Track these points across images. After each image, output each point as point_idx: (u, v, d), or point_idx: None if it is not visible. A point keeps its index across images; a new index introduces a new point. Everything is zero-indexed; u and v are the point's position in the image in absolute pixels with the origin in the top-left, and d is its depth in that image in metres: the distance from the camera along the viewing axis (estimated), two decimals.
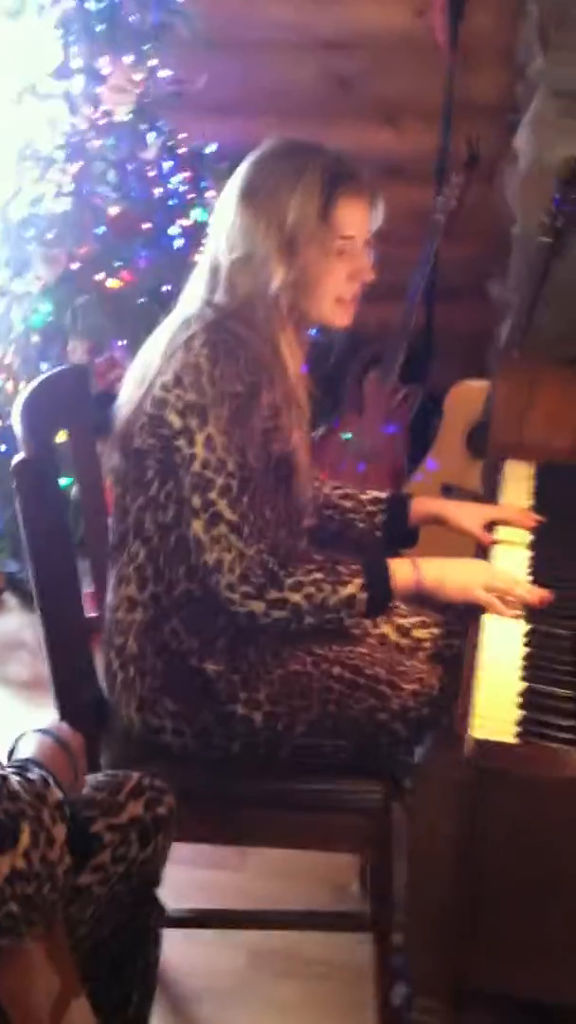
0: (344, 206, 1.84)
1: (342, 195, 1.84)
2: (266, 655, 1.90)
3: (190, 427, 1.78)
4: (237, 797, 1.86)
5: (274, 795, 1.86)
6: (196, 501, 1.79)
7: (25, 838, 0.99)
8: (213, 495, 1.77)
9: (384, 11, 3.68)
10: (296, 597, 1.78)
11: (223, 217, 1.88)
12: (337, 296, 1.89)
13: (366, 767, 1.88)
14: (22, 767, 1.05)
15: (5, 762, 1.07)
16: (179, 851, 1.65)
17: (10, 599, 3.50)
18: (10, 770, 1.04)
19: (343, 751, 1.88)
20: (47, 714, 1.40)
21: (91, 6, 3.14)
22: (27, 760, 1.09)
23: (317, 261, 1.85)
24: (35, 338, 3.19)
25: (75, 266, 3.12)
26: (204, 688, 1.88)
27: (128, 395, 1.89)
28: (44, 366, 3.16)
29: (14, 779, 1.02)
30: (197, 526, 1.79)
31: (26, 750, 1.25)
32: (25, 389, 1.90)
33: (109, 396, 1.98)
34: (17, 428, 1.80)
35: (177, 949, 1.65)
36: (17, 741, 1.29)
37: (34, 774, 1.05)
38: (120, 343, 3.15)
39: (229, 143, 3.35)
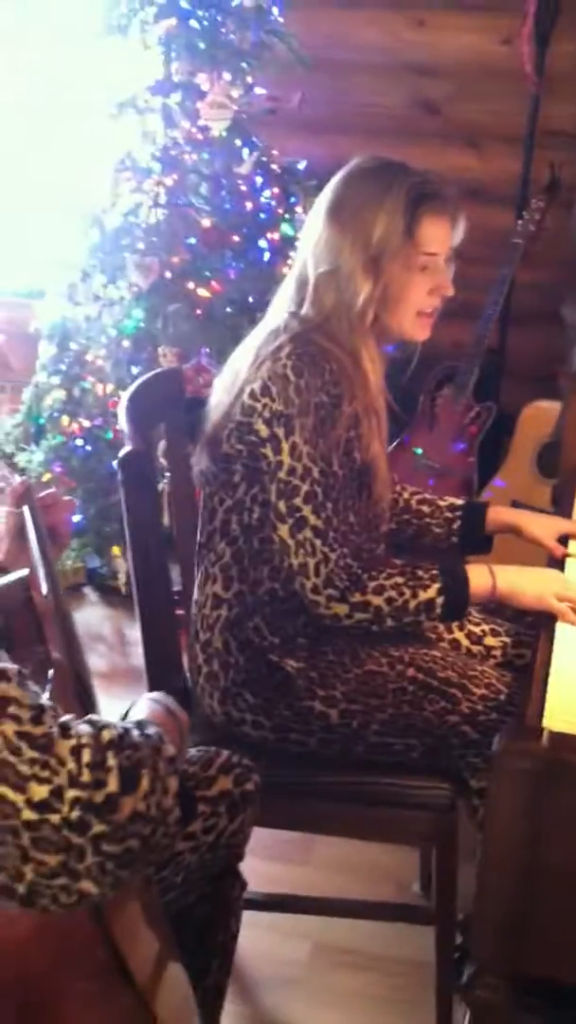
0: (428, 224, 1.90)
1: (426, 213, 1.90)
2: (344, 655, 1.96)
3: (277, 435, 1.86)
4: (312, 788, 1.93)
5: (347, 787, 1.93)
6: (282, 506, 1.86)
7: (145, 784, 1.08)
8: (298, 501, 1.85)
9: (472, 39, 3.74)
10: (378, 600, 1.84)
11: (311, 232, 1.95)
12: (419, 310, 1.96)
13: (435, 766, 1.93)
14: (139, 724, 1.14)
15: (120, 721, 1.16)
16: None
17: (91, 594, 3.61)
18: (130, 724, 1.13)
19: (414, 750, 1.93)
20: (124, 705, 1.48)
21: (194, 24, 3.25)
22: (142, 720, 1.18)
23: (401, 276, 1.91)
24: (126, 343, 3.30)
25: (168, 275, 3.23)
26: (284, 684, 1.95)
27: (217, 401, 1.97)
28: (134, 370, 3.27)
29: (135, 732, 1.11)
30: (283, 530, 1.87)
31: (139, 713, 1.35)
32: (129, 388, 1.99)
33: (197, 401, 2.08)
34: (122, 423, 1.90)
35: (244, 935, 1.71)
36: (131, 706, 1.38)
37: (151, 730, 1.14)
38: (206, 350, 3.24)
39: (319, 160, 3.46)
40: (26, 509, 1.53)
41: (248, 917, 1.72)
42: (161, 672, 1.99)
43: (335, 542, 1.84)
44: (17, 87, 3.59)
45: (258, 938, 2.17)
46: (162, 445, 2.50)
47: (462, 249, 2.00)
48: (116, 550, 3.47)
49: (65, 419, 3.50)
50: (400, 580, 1.86)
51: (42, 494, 1.63)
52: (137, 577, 1.94)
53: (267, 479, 1.89)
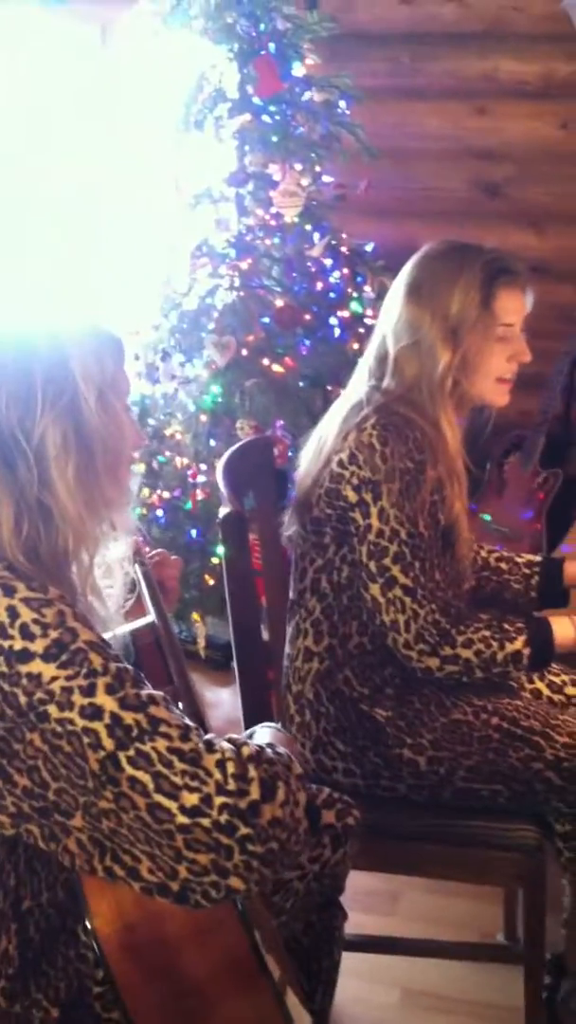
0: (503, 296, 2.05)
1: (501, 286, 2.04)
2: (430, 703, 2.06)
3: (365, 500, 1.99)
4: (402, 830, 2.02)
5: (436, 830, 2.02)
6: (373, 567, 1.98)
7: (281, 794, 1.20)
8: (387, 561, 1.96)
9: (531, 124, 3.90)
10: (467, 653, 1.95)
11: (390, 312, 2.09)
12: (498, 376, 2.09)
13: (521, 811, 2.02)
14: (270, 745, 1.26)
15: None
16: None
17: None
18: (263, 744, 1.25)
19: (500, 795, 2.01)
20: None
21: (266, 119, 3.45)
22: (271, 742, 1.30)
23: (480, 346, 2.05)
24: (204, 418, 3.46)
25: (244, 352, 3.39)
26: (373, 732, 2.04)
27: (305, 471, 2.11)
28: (212, 443, 3.42)
29: (268, 750, 1.23)
30: (375, 590, 1.98)
31: (264, 738, 1.47)
32: (224, 456, 2.14)
33: (281, 471, 2.22)
34: (221, 487, 2.04)
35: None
36: (252, 733, 1.51)
37: (280, 750, 1.26)
38: (281, 423, 3.39)
39: (386, 242, 3.63)
40: (137, 566, 1.66)
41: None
42: (257, 722, 2.09)
43: (424, 599, 1.95)
44: (101, 181, 3.80)
45: (349, 984, 2.22)
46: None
47: (527, 323, 2.13)
48: (196, 616, 3.59)
49: (146, 491, 3.65)
50: (487, 633, 1.96)
51: (151, 552, 1.77)
52: (237, 634, 2.06)
53: (356, 541, 2.01)
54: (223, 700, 3.43)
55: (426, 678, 2.00)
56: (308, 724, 2.08)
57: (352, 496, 2.01)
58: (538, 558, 2.34)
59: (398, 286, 2.10)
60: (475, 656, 1.95)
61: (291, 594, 2.15)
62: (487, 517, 3.86)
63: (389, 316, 2.09)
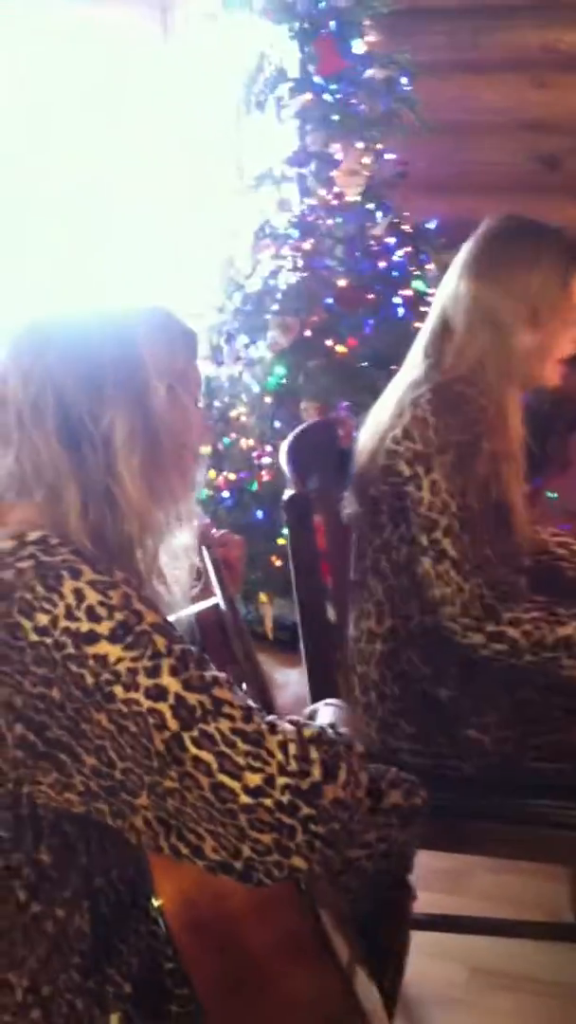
0: None
1: None
2: (495, 683, 2.04)
3: (418, 474, 1.98)
4: (467, 810, 2.02)
5: (502, 809, 2.01)
6: (423, 540, 1.98)
7: (343, 775, 1.21)
8: (438, 534, 1.95)
9: None
10: (514, 632, 1.92)
11: (452, 290, 2.06)
12: (560, 358, 2.07)
13: None
14: (332, 725, 1.27)
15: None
16: None
17: None
18: (325, 725, 1.27)
19: (565, 774, 2.00)
20: None
21: (327, 98, 3.44)
22: (333, 723, 1.31)
23: (558, 329, 2.03)
24: (268, 399, 3.47)
25: (307, 333, 3.40)
26: (438, 712, 2.05)
27: (362, 449, 2.11)
28: (276, 424, 3.44)
29: (330, 731, 1.25)
30: (426, 563, 1.98)
31: (326, 717, 1.49)
32: (288, 437, 2.15)
33: (345, 452, 2.22)
34: (284, 468, 2.05)
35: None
36: (315, 709, 1.52)
37: (342, 730, 1.27)
38: (345, 403, 3.39)
39: (448, 219, 3.61)
40: (204, 548, 1.68)
41: None
42: None
43: (470, 573, 1.93)
44: (165, 165, 3.83)
45: (417, 962, 2.22)
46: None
47: None
48: (263, 597, 3.62)
49: (212, 473, 3.68)
50: (538, 615, 1.93)
51: (217, 533, 1.79)
52: (303, 615, 2.06)
53: (412, 516, 2.00)
54: (291, 680, 3.45)
55: (475, 657, 1.98)
56: (374, 705, 2.09)
57: (406, 470, 2.00)
58: None
59: (463, 264, 2.06)
60: (523, 637, 1.92)
61: (352, 574, 2.16)
62: (553, 495, 3.83)
63: (451, 294, 2.06)
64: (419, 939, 2.12)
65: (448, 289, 2.09)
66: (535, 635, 1.92)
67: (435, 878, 2.54)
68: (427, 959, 2.30)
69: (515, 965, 2.35)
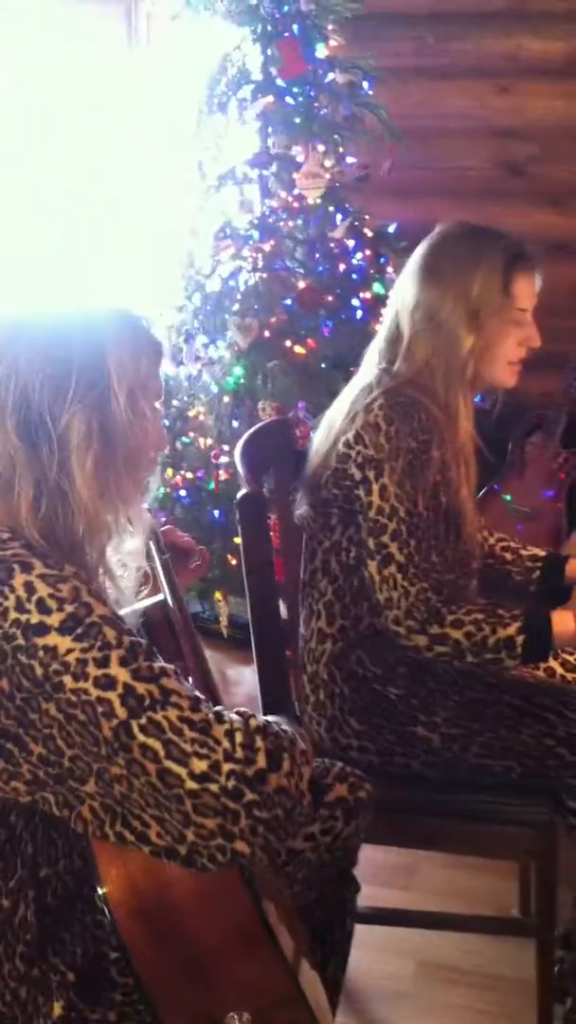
0: (521, 281, 2.05)
1: (519, 271, 2.05)
2: (444, 681, 2.07)
3: (368, 478, 2.01)
4: (415, 806, 2.05)
5: (450, 805, 2.04)
6: (371, 544, 2.00)
7: (286, 765, 1.24)
8: (385, 538, 1.98)
9: (554, 103, 3.90)
10: (456, 634, 1.95)
11: (402, 294, 2.09)
12: (510, 360, 2.10)
13: (533, 787, 2.03)
14: (277, 722, 1.30)
15: None
16: None
17: None
18: (270, 719, 1.29)
19: (512, 771, 2.03)
20: None
21: (289, 100, 3.46)
22: (276, 720, 1.33)
23: (498, 330, 2.05)
24: (226, 399, 3.49)
25: (266, 334, 3.42)
26: (387, 710, 2.07)
27: (315, 451, 2.13)
28: (235, 424, 3.46)
29: (274, 725, 1.28)
30: (372, 567, 2.00)
31: (272, 717, 1.51)
32: (243, 437, 2.17)
33: (294, 451, 2.25)
34: (239, 467, 2.07)
35: (353, 953, 1.84)
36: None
37: (285, 727, 1.30)
38: (303, 404, 3.42)
39: (409, 223, 3.63)
40: (152, 544, 1.69)
41: (355, 936, 1.83)
42: (275, 702, 2.13)
43: (415, 577, 1.96)
44: (125, 163, 3.83)
45: (364, 956, 2.28)
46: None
47: (549, 300, 2.15)
48: (218, 595, 3.63)
49: (169, 471, 3.69)
50: (480, 616, 1.95)
51: (162, 528, 1.81)
52: (255, 615, 2.09)
53: (361, 519, 2.03)
54: (245, 678, 3.47)
55: (418, 658, 2.00)
56: (323, 703, 2.11)
57: (356, 474, 2.03)
58: (543, 553, 2.35)
59: (412, 269, 2.10)
60: (465, 638, 1.94)
61: (303, 575, 2.18)
62: (508, 497, 3.87)
63: (403, 299, 2.09)
64: (367, 933, 2.16)
65: (398, 294, 2.12)
66: (476, 636, 1.94)
67: (384, 873, 2.58)
68: (374, 953, 2.34)
69: (461, 959, 2.38)
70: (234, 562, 3.53)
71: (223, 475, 3.54)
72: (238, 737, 1.22)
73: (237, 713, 1.27)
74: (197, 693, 1.25)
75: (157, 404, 1.46)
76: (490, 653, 1.95)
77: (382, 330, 2.15)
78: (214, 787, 1.19)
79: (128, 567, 1.47)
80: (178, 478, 3.70)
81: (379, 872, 2.55)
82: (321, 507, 2.11)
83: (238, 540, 3.45)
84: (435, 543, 2.02)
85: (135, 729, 1.20)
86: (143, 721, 1.20)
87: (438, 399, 2.04)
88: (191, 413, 3.67)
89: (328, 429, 2.11)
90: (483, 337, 2.04)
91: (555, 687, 2.15)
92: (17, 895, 1.34)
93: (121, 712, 1.20)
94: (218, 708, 1.26)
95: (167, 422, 3.68)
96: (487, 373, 2.10)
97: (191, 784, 1.19)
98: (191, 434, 3.68)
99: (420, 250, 2.11)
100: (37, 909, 1.36)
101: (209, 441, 3.61)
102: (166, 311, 3.63)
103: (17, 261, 3.72)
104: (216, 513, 3.62)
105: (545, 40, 3.85)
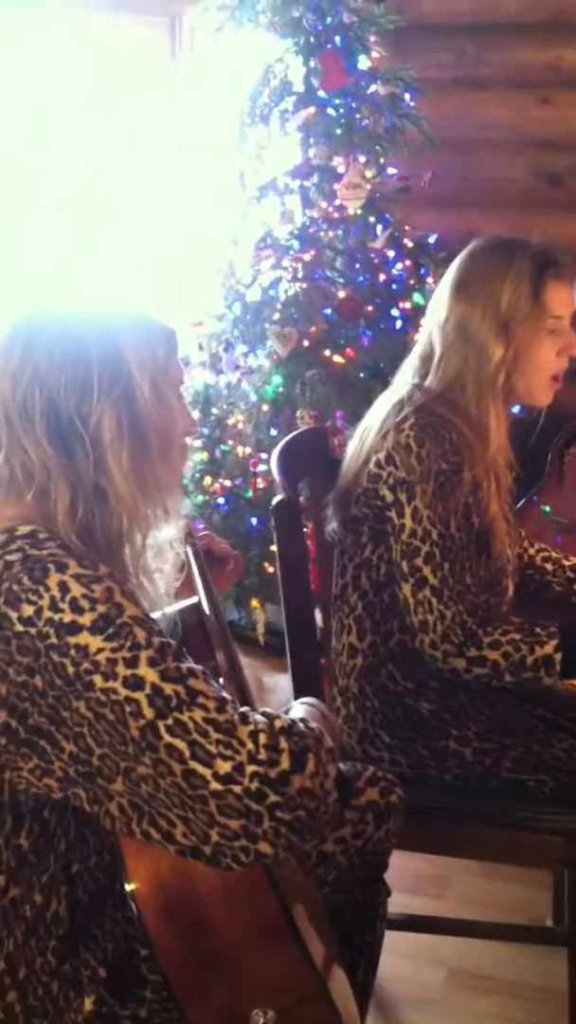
0: (553, 289, 2.04)
1: (550, 278, 2.04)
2: (475, 696, 2.07)
3: (400, 500, 2.01)
4: (448, 813, 2.05)
5: (482, 813, 2.05)
6: (405, 567, 2.00)
7: (311, 765, 1.25)
8: (419, 561, 1.98)
9: None
10: (494, 655, 1.95)
11: (437, 310, 2.10)
12: (550, 374, 2.09)
13: (567, 800, 2.03)
14: (303, 719, 1.31)
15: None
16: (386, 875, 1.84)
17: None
18: (296, 718, 1.30)
19: (545, 785, 2.03)
20: None
21: (331, 112, 3.49)
22: (303, 717, 1.35)
23: (531, 340, 2.04)
24: (265, 407, 3.51)
25: (305, 344, 3.44)
26: (419, 724, 2.07)
27: (347, 468, 2.14)
28: (273, 432, 3.48)
29: (300, 724, 1.29)
30: (406, 589, 2.00)
31: (298, 713, 1.52)
32: (279, 443, 2.19)
33: (330, 459, 2.26)
34: (275, 474, 2.09)
35: (383, 960, 1.83)
36: (289, 707, 1.56)
37: (312, 725, 1.31)
38: (340, 413, 3.43)
39: (448, 233, 3.65)
40: (188, 547, 1.72)
41: (387, 943, 1.84)
42: None
43: (451, 600, 1.96)
44: (169, 173, 3.87)
45: (397, 963, 2.29)
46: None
47: None
48: (255, 603, 3.65)
49: (208, 479, 3.72)
50: (517, 636, 1.95)
51: (201, 533, 1.84)
52: (289, 620, 2.10)
53: (391, 540, 2.03)
54: (281, 686, 3.49)
55: (456, 680, 2.00)
56: (354, 717, 2.12)
57: (388, 496, 2.03)
58: None
59: (445, 284, 2.10)
60: (503, 658, 1.94)
61: (334, 588, 2.18)
62: (547, 508, 3.86)
63: (436, 314, 2.09)
64: (399, 940, 2.17)
65: (432, 311, 2.13)
66: (514, 656, 1.94)
67: (417, 881, 2.58)
68: (405, 960, 2.35)
69: (493, 968, 2.38)
70: (271, 569, 3.55)
71: (261, 483, 3.57)
72: (262, 738, 1.23)
73: (263, 714, 1.28)
74: (224, 694, 1.27)
75: (181, 390, 1.48)
76: (528, 672, 1.95)
77: (416, 347, 2.16)
78: (237, 788, 1.20)
79: (166, 558, 1.50)
80: (216, 486, 3.72)
81: (412, 880, 2.56)
82: (351, 524, 2.11)
83: (275, 548, 3.48)
84: (468, 564, 2.02)
85: (162, 729, 1.22)
86: (170, 722, 1.22)
87: (468, 415, 2.04)
88: (230, 421, 3.70)
89: (360, 443, 2.12)
90: (514, 347, 2.03)
91: None
92: (49, 890, 1.36)
93: (148, 712, 1.22)
94: (244, 709, 1.27)
95: (205, 430, 3.71)
96: (522, 386, 2.09)
97: (215, 785, 1.21)
98: (230, 442, 3.71)
99: (453, 266, 2.11)
100: (69, 905, 1.38)
101: (247, 449, 3.63)
102: (207, 320, 3.66)
103: (56, 270, 3.76)
104: (254, 521, 3.64)
105: None
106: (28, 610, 1.25)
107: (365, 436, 2.11)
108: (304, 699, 1.60)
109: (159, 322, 1.45)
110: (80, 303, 1.41)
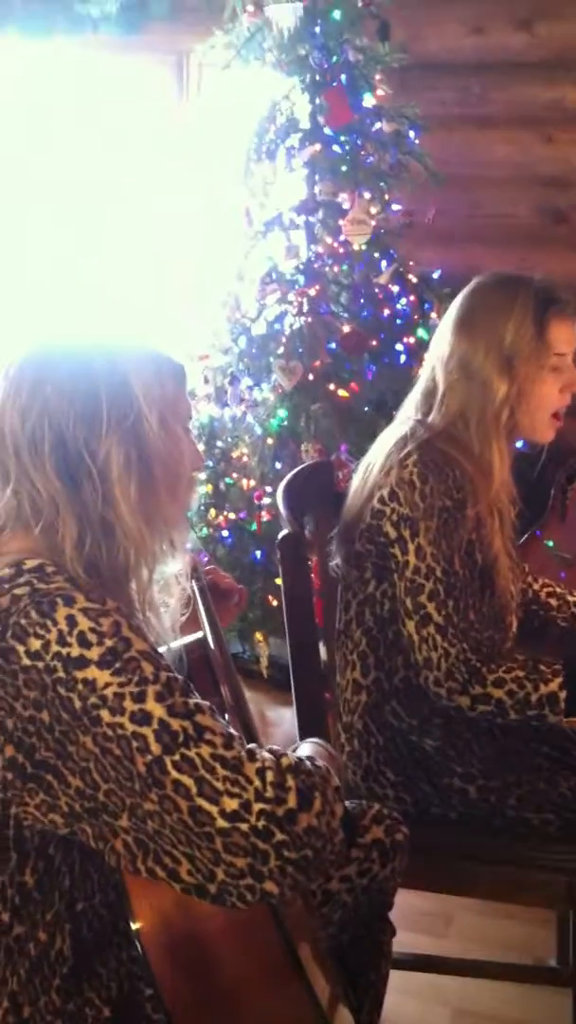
0: (556, 326, 2.05)
1: (553, 316, 2.04)
2: (480, 733, 2.06)
3: (404, 537, 2.00)
4: (453, 851, 2.04)
5: (487, 850, 2.03)
6: (409, 604, 1.99)
7: (317, 804, 1.24)
8: (423, 599, 1.97)
9: None
10: (499, 693, 1.94)
11: (440, 346, 2.10)
12: (552, 411, 2.09)
13: (573, 839, 2.01)
14: (309, 758, 1.30)
15: None
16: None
17: None
18: (303, 756, 1.30)
19: (550, 824, 2.02)
20: None
21: (336, 149, 3.51)
22: (310, 755, 1.34)
23: (534, 378, 2.05)
24: (270, 440, 3.52)
25: (310, 377, 3.45)
26: (423, 762, 2.06)
27: (350, 503, 2.14)
28: (278, 466, 3.48)
29: (307, 763, 1.28)
30: (410, 626, 2.00)
31: (305, 751, 1.52)
32: (285, 478, 2.19)
33: (336, 493, 2.26)
34: (280, 508, 2.09)
35: (388, 1000, 1.82)
36: (295, 747, 1.55)
37: (319, 763, 1.30)
38: (345, 447, 3.44)
39: (452, 269, 3.67)
40: (193, 582, 1.71)
41: (392, 982, 1.81)
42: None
43: (455, 638, 1.95)
44: (176, 209, 3.89)
45: (401, 1002, 2.27)
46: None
47: None
48: (259, 636, 3.64)
49: (212, 512, 3.72)
50: (521, 674, 1.95)
51: (206, 568, 1.83)
52: (294, 654, 2.09)
53: (395, 577, 2.03)
54: (285, 719, 3.47)
55: (460, 718, 2.00)
56: (359, 753, 2.11)
57: (392, 532, 2.02)
58: None
59: (447, 321, 2.10)
60: (507, 696, 1.94)
61: (338, 624, 2.18)
62: (550, 543, 3.86)
63: (439, 350, 2.10)
64: (403, 980, 2.15)
65: (435, 347, 2.13)
66: (519, 694, 1.94)
67: (421, 920, 2.56)
68: (410, 999, 2.33)
69: (498, 1008, 2.36)
70: (275, 603, 3.54)
71: (265, 516, 3.57)
72: (269, 776, 1.22)
73: (270, 751, 1.27)
74: (231, 730, 1.26)
75: (189, 425, 1.48)
76: (533, 710, 1.94)
77: (419, 383, 2.16)
78: (244, 827, 1.20)
79: (172, 592, 1.49)
80: (221, 519, 3.72)
81: (417, 919, 2.54)
82: (355, 560, 2.11)
83: (279, 581, 3.48)
84: (472, 601, 2.02)
85: (168, 765, 1.21)
86: (176, 757, 1.21)
87: (471, 452, 2.04)
88: (235, 454, 3.70)
89: (364, 479, 2.11)
90: (517, 385, 2.03)
91: None
92: (54, 928, 1.35)
93: (155, 748, 1.22)
94: (251, 745, 1.27)
95: (210, 463, 3.72)
96: (525, 423, 2.09)
97: (222, 823, 1.20)
98: (234, 475, 3.71)
99: (455, 303, 2.12)
100: (73, 943, 1.37)
101: (252, 482, 3.63)
102: (212, 353, 3.67)
103: (61, 304, 3.78)
104: (258, 554, 3.64)
105: None
106: (35, 644, 1.25)
107: (368, 472, 2.11)
108: (310, 740, 1.60)
109: (169, 357, 1.45)
110: (90, 336, 1.41)
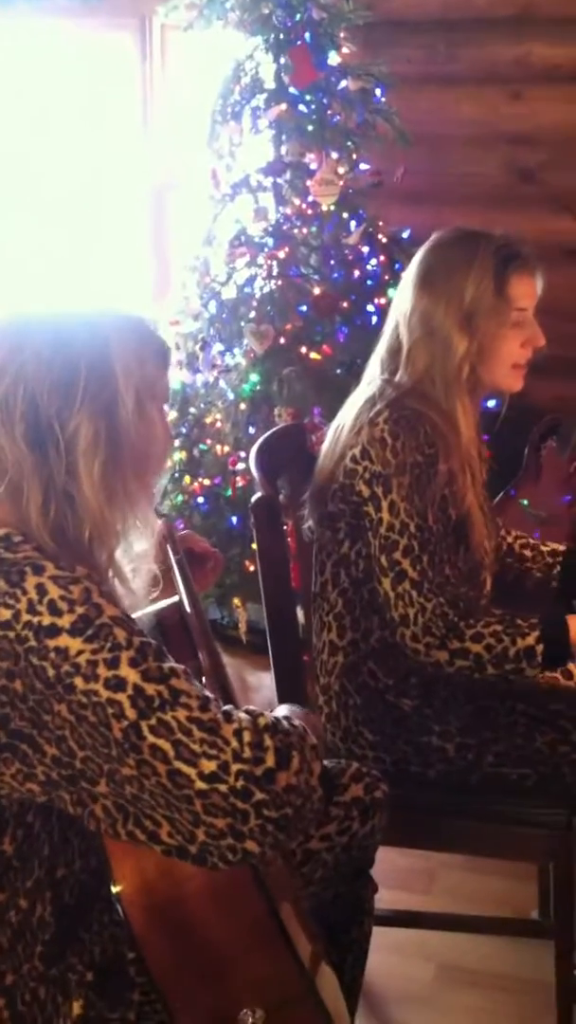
0: (516, 282, 2.04)
1: (514, 271, 2.04)
2: (457, 691, 2.07)
3: (376, 494, 2.00)
4: (433, 808, 2.05)
5: (467, 807, 2.05)
6: (384, 561, 2.00)
7: (295, 762, 1.25)
8: (398, 555, 1.98)
9: (565, 108, 3.89)
10: (476, 647, 1.95)
11: (401, 304, 2.09)
12: (513, 363, 2.09)
13: (549, 794, 2.03)
14: (286, 718, 1.31)
15: None
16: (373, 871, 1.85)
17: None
18: (280, 716, 1.30)
19: (528, 779, 2.03)
20: None
21: (302, 108, 3.48)
22: (287, 715, 1.34)
23: (495, 332, 2.04)
24: (243, 406, 3.51)
25: (282, 341, 3.43)
26: (401, 721, 2.07)
27: (322, 464, 2.14)
28: (251, 431, 3.47)
29: (284, 722, 1.29)
30: (386, 584, 2.00)
31: (282, 711, 1.52)
32: (258, 441, 2.18)
33: (308, 456, 2.26)
34: (253, 472, 2.08)
35: (371, 956, 1.84)
36: (275, 709, 1.56)
37: (296, 723, 1.31)
38: (318, 410, 3.43)
39: (422, 228, 3.63)
40: (168, 547, 1.71)
41: (374, 939, 1.84)
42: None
43: (431, 592, 1.95)
44: (140, 172, 3.85)
45: (384, 959, 2.28)
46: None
47: (562, 306, 2.13)
48: (237, 601, 3.64)
49: (187, 479, 3.71)
50: (499, 628, 1.95)
51: (180, 534, 1.83)
52: (270, 618, 2.10)
53: (369, 535, 2.03)
54: (264, 684, 3.48)
55: (438, 674, 2.00)
56: (337, 715, 2.11)
57: (365, 490, 2.02)
58: (563, 547, 2.35)
59: (408, 277, 2.09)
60: (485, 651, 1.94)
61: (313, 586, 2.18)
62: (525, 502, 3.87)
63: (401, 307, 2.09)
64: (386, 936, 2.17)
65: (397, 303, 2.12)
66: (497, 648, 1.95)
67: (404, 876, 2.59)
68: (393, 956, 2.35)
69: (481, 962, 2.39)
70: (252, 568, 3.53)
71: (240, 481, 3.56)
72: (246, 736, 1.23)
73: (246, 711, 1.27)
74: (207, 693, 1.26)
75: (164, 407, 1.46)
76: (511, 664, 1.95)
77: (383, 340, 2.15)
78: (223, 787, 1.20)
79: (139, 569, 1.48)
80: (195, 485, 3.71)
81: (398, 875, 2.56)
82: (328, 521, 2.11)
83: (255, 546, 3.48)
84: (447, 556, 2.02)
85: (145, 730, 1.21)
86: (152, 722, 1.21)
87: (440, 408, 2.04)
88: (208, 420, 3.69)
89: (334, 440, 2.11)
90: (478, 340, 2.03)
91: (570, 692, 2.13)
92: (35, 895, 1.35)
93: (131, 713, 1.21)
94: (227, 707, 1.27)
95: (184, 429, 3.70)
96: (488, 378, 2.09)
97: (200, 784, 1.20)
98: (208, 441, 3.70)
99: (416, 258, 2.10)
100: (55, 909, 1.38)
101: (226, 448, 3.62)
102: (183, 319, 3.65)
103: (26, 269, 3.75)
104: (234, 519, 3.63)
105: (555, 46, 3.85)
106: (6, 614, 1.24)
107: (339, 433, 2.10)
108: (287, 704, 1.61)
109: (154, 335, 1.43)
110: (75, 306, 1.39)
